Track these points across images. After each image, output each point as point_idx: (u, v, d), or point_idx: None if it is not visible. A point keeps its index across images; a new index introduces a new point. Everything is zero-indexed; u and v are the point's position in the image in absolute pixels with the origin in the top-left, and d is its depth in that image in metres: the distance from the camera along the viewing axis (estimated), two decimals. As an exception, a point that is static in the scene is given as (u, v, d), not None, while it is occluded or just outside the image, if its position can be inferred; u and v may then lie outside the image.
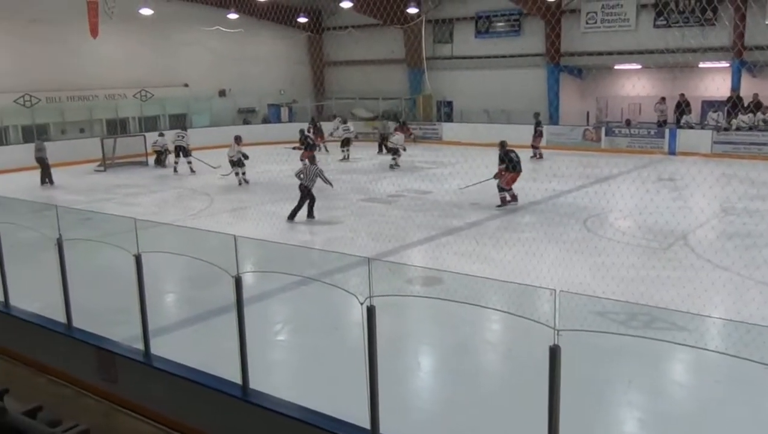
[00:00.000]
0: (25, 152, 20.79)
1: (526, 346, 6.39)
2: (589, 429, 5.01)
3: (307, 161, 15.57)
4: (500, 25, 28.03)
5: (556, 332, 3.18)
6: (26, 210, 9.72)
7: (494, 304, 7.28)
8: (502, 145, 14.43)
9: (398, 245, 10.96)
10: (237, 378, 5.03)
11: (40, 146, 18.83)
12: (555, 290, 3.22)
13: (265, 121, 29.52)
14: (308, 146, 20.11)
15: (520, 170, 14.17)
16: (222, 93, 29.43)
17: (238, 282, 4.81)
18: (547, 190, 15.30)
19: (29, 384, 6.50)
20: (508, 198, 13.89)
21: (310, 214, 13.23)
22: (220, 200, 15.59)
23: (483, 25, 28.35)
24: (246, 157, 17.39)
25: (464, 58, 28.87)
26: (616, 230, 11.91)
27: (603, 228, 11.91)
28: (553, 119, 26.47)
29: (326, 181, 13.59)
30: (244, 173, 17.63)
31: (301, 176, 13.20)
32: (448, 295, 7.51)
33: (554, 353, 3.21)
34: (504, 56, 27.54)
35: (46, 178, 18.61)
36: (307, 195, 13.13)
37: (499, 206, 13.77)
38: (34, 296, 7.91)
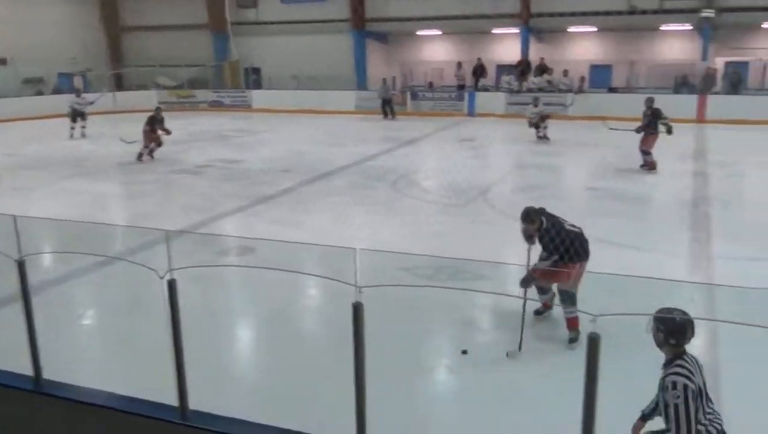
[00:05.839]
0: None
1: (336, 306, 6.52)
2: (402, 378, 5.23)
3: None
4: (305, -10, 27.92)
5: (357, 289, 3.25)
6: None
7: (306, 268, 7.31)
8: (537, 219, 5.93)
9: (209, 216, 10.64)
10: (29, 370, 4.62)
11: None
12: (355, 249, 3.28)
13: (57, 91, 27.13)
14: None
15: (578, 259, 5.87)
16: (2, 62, 26.52)
17: (21, 266, 4.38)
18: (355, 154, 15.62)
19: None
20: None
21: None
22: (6, 179, 14.15)
23: (288, -10, 28.05)
24: None
25: (270, 23, 28.39)
26: (423, 189, 12.45)
27: (410, 189, 12.38)
28: (361, 85, 26.98)
29: None
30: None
31: None
32: (262, 263, 7.47)
33: (357, 309, 3.28)
34: (310, 22, 27.45)
35: None
36: None
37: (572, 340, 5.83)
38: None
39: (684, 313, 3.23)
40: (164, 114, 15.48)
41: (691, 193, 11.55)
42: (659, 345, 3.30)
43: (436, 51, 28.19)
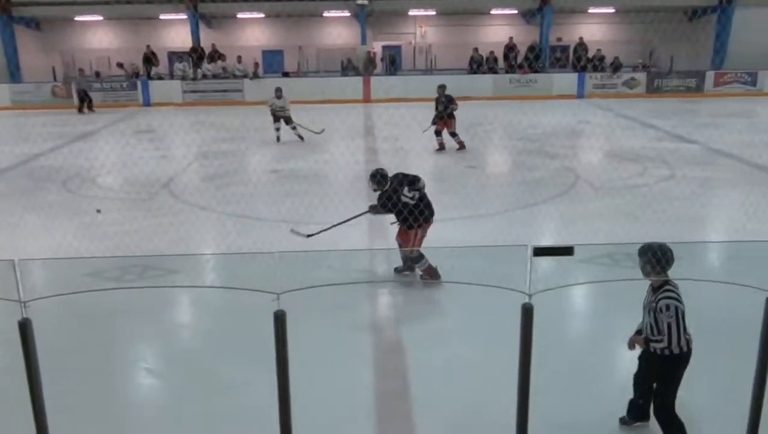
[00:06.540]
0: None
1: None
2: (95, 389, 4.89)
3: None
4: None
5: (22, 304, 2.94)
6: None
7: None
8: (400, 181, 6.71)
9: None
10: None
11: None
12: (14, 261, 2.96)
13: None
14: None
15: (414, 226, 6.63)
16: None
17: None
18: (17, 155, 14.03)
19: None
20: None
21: None
22: None
23: None
24: None
25: None
26: (100, 187, 11.61)
27: (86, 187, 11.47)
28: (15, 77, 24.17)
29: None
30: None
31: None
32: None
33: (23, 326, 2.98)
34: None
35: None
36: None
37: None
38: None
39: (664, 246, 3.79)
40: None
41: (364, 167, 12.52)
42: (647, 274, 3.84)
43: (101, 38, 26.32)
